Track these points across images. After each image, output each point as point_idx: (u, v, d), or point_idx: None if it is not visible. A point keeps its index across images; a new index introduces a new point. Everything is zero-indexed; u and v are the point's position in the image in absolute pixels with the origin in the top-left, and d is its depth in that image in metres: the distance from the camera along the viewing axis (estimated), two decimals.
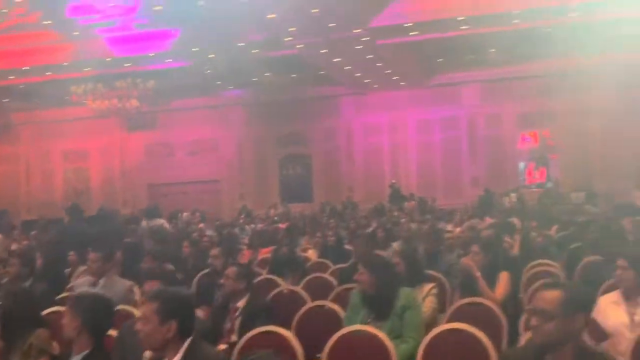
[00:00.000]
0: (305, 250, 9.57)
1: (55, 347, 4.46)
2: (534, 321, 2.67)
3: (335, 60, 18.35)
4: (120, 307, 5.16)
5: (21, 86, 19.88)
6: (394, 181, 21.17)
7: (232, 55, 17.45)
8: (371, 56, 18.08)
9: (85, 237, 9.76)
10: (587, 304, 2.79)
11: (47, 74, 18.55)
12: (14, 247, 11.95)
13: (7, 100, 21.86)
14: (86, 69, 17.90)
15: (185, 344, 3.02)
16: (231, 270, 4.94)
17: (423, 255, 7.00)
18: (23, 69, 18.12)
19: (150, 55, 17.36)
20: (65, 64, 17.62)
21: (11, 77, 18.93)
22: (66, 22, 15.82)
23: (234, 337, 4.60)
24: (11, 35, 16.53)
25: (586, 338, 3.85)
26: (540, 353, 2.66)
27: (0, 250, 11.18)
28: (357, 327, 4.28)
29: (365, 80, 21.10)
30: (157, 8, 14.81)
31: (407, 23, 15.89)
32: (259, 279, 6.46)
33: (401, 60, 19.35)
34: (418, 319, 4.52)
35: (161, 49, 17.02)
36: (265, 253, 8.77)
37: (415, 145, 22.56)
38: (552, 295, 2.67)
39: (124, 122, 23.09)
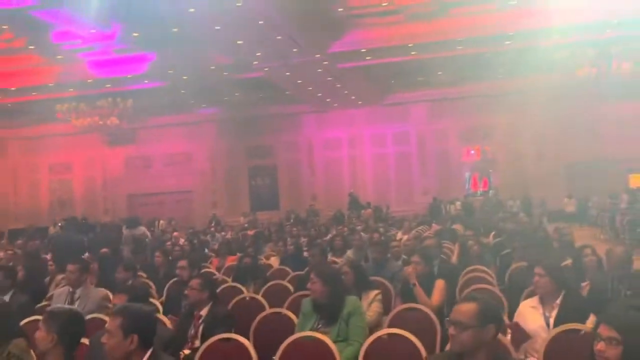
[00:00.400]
0: (269, 257, 9.58)
1: (33, 356, 4.43)
2: (452, 330, 2.77)
3: (298, 81, 18.46)
4: (94, 315, 5.16)
5: (9, 105, 19.57)
6: (352, 191, 21.32)
7: (204, 76, 17.45)
8: (331, 78, 18.24)
9: (77, 246, 9.68)
10: (498, 316, 2.89)
11: (33, 94, 18.34)
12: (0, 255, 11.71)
13: None
14: (70, 90, 17.75)
15: (146, 356, 3.06)
16: (195, 282, 4.95)
17: (372, 262, 7.10)
18: (11, 89, 17.88)
19: (129, 76, 17.27)
20: (50, 84, 17.45)
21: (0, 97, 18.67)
22: (51, 47, 15.66)
23: (197, 343, 4.62)
24: None
25: (507, 340, 3.99)
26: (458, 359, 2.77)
27: None
28: (307, 332, 4.35)
29: (326, 100, 21.25)
30: (134, 34, 14.75)
31: (363, 49, 16.08)
32: (223, 286, 6.48)
33: (358, 82, 19.54)
34: (362, 323, 4.60)
35: (139, 71, 16.95)
36: (232, 260, 8.76)
37: (370, 158, 22.77)
38: (467, 308, 2.76)
39: (105, 137, 22.90)
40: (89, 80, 17.13)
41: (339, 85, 19.27)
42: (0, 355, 4.41)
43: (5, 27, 14.37)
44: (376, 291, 5.35)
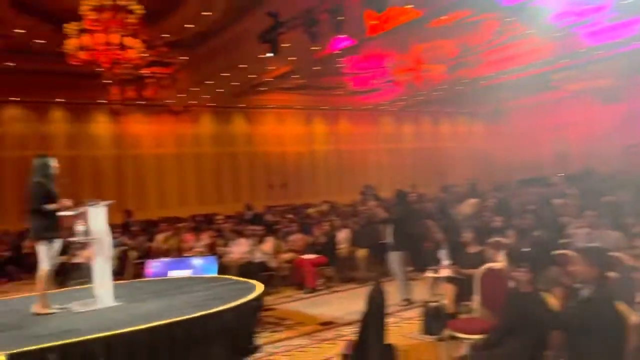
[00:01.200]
0: None
1: (566, 281, 4.88)
2: None
3: None
4: (612, 253, 5.31)
5: (510, 81, 20.35)
6: None
7: None
8: None
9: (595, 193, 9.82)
10: None
11: (531, 69, 18.75)
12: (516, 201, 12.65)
13: (501, 92, 22.61)
14: (564, 60, 17.62)
15: None
16: None
17: None
18: (510, 69, 18.70)
19: (619, 40, 16.06)
20: (547, 59, 17.65)
21: (503, 76, 19.77)
22: (548, 28, 15.76)
23: None
24: (503, 47, 17.31)
25: None
26: None
27: (473, 210, 11.29)
28: None
29: None
30: (626, 1, 13.59)
31: None
32: None
33: None
34: None
35: (629, 34, 15.58)
36: None
37: None
38: None
39: (595, 97, 21.95)
40: (581, 50, 16.68)
41: None
42: (543, 276, 5.05)
43: (511, 19, 15.17)
44: None
